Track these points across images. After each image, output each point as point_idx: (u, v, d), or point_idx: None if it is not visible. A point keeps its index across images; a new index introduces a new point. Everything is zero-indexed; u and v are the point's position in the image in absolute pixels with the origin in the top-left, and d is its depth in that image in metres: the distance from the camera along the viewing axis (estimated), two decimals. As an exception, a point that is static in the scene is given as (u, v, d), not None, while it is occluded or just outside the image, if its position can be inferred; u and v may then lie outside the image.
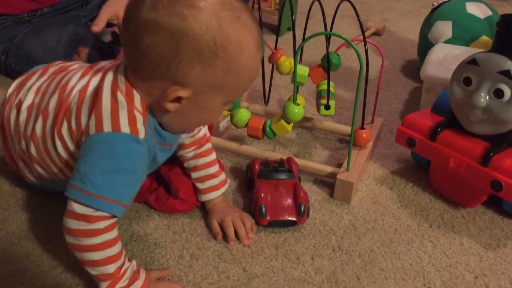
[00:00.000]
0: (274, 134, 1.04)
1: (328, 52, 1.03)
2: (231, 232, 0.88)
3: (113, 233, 0.72)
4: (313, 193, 1.01)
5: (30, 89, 0.85)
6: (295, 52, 1.00)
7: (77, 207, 0.70)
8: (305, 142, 1.18)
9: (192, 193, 0.93)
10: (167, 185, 0.93)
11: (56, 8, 1.42)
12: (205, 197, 0.93)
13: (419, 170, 1.09)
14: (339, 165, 1.02)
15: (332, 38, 1.10)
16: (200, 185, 0.92)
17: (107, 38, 1.27)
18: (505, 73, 0.86)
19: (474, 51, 0.97)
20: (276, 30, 1.40)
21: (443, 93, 1.03)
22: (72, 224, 0.70)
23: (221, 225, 0.89)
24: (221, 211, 0.91)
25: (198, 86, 0.69)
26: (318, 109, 1.08)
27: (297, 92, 1.03)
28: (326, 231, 0.92)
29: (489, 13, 1.44)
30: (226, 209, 0.92)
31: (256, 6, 1.09)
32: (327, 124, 1.20)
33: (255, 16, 0.73)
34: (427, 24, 1.51)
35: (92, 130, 0.72)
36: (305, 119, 1.19)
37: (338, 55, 1.08)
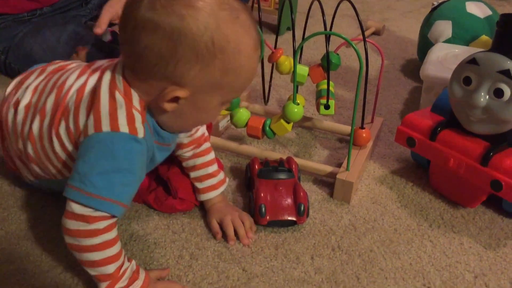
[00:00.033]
0: (274, 133, 1.04)
1: (327, 52, 1.03)
2: (230, 232, 0.88)
3: (113, 233, 0.72)
4: (313, 192, 1.01)
5: (27, 88, 0.84)
6: (294, 52, 1.00)
7: (76, 208, 0.70)
8: (305, 141, 1.18)
9: (191, 192, 0.93)
10: (166, 185, 0.93)
11: (56, 7, 1.42)
12: (204, 197, 0.93)
13: (419, 170, 1.09)
14: (339, 165, 1.02)
15: (332, 37, 1.10)
16: (199, 185, 0.92)
17: (107, 37, 1.27)
18: (505, 72, 0.86)
19: (474, 51, 0.97)
20: (275, 30, 1.40)
21: (443, 92, 1.03)
22: (71, 224, 0.70)
23: (220, 225, 0.89)
24: (220, 211, 0.91)
25: (196, 86, 0.69)
26: (318, 109, 1.08)
27: (297, 92, 1.03)
28: (326, 231, 0.92)
29: (489, 12, 1.44)
30: (225, 208, 0.92)
31: (255, 5, 1.09)
32: (327, 123, 1.20)
33: (253, 16, 0.72)
34: (427, 23, 1.50)
35: (91, 130, 0.72)
36: (305, 118, 1.19)
37: (337, 54, 1.08)
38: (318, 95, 1.11)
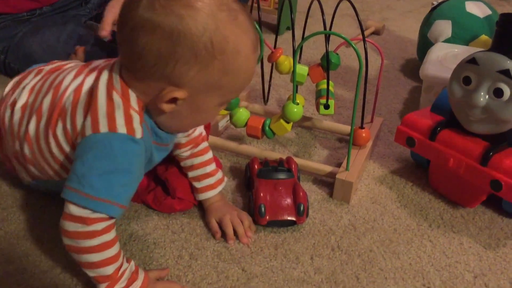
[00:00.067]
0: (274, 133, 1.03)
1: (327, 51, 1.03)
2: (230, 231, 0.88)
3: (111, 234, 0.72)
4: (313, 192, 1.01)
5: (24, 89, 0.84)
6: (294, 51, 1.00)
7: (74, 209, 0.69)
8: (305, 141, 1.18)
9: (189, 192, 0.93)
10: (165, 185, 0.93)
11: (56, 7, 1.41)
12: (202, 196, 0.92)
13: (418, 170, 1.09)
14: (339, 165, 1.02)
15: (332, 37, 1.10)
16: (197, 184, 0.92)
17: (108, 37, 1.27)
18: (505, 72, 0.86)
19: (474, 50, 0.97)
20: (275, 29, 1.40)
21: (442, 92, 1.03)
22: (70, 226, 0.70)
23: (219, 224, 0.89)
24: (219, 210, 0.91)
25: (195, 87, 0.69)
26: (318, 109, 1.08)
27: (297, 92, 1.03)
28: (326, 231, 0.92)
29: (489, 12, 1.44)
30: (223, 207, 0.92)
31: (255, 5, 1.09)
32: (327, 123, 1.20)
33: (252, 17, 0.72)
34: (427, 23, 1.50)
35: (88, 131, 0.71)
36: (305, 118, 1.19)
37: (337, 54, 1.07)
38: (318, 94, 1.11)
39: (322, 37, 1.49)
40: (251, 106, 1.23)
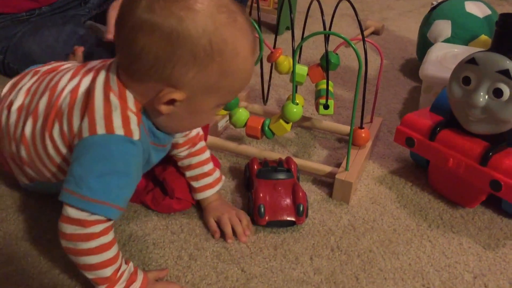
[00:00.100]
0: (273, 133, 1.03)
1: (327, 51, 1.03)
2: (228, 230, 0.88)
3: (109, 236, 0.72)
4: (312, 193, 1.01)
5: (20, 90, 0.84)
6: (294, 51, 1.00)
7: (71, 212, 0.69)
8: (304, 141, 1.18)
9: (187, 192, 0.93)
10: (163, 185, 0.93)
11: (55, 7, 1.41)
12: (200, 196, 0.92)
13: (418, 170, 1.09)
14: (338, 165, 1.02)
15: (331, 37, 1.10)
16: (195, 184, 0.92)
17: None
18: (504, 72, 0.86)
19: (473, 50, 0.96)
20: (275, 29, 1.40)
21: (442, 92, 1.03)
22: (67, 228, 0.70)
23: (218, 223, 0.89)
24: (217, 209, 0.91)
25: (193, 89, 0.69)
26: (317, 109, 1.08)
27: (296, 92, 1.03)
28: (325, 231, 0.92)
29: (488, 12, 1.44)
30: (222, 206, 0.92)
31: (254, 5, 1.09)
32: (326, 123, 1.20)
33: (250, 19, 0.72)
34: (426, 23, 1.50)
35: (85, 133, 0.71)
36: (304, 118, 1.19)
37: (337, 54, 1.07)
38: (317, 95, 1.11)
39: (321, 37, 1.49)
40: (250, 106, 1.23)
